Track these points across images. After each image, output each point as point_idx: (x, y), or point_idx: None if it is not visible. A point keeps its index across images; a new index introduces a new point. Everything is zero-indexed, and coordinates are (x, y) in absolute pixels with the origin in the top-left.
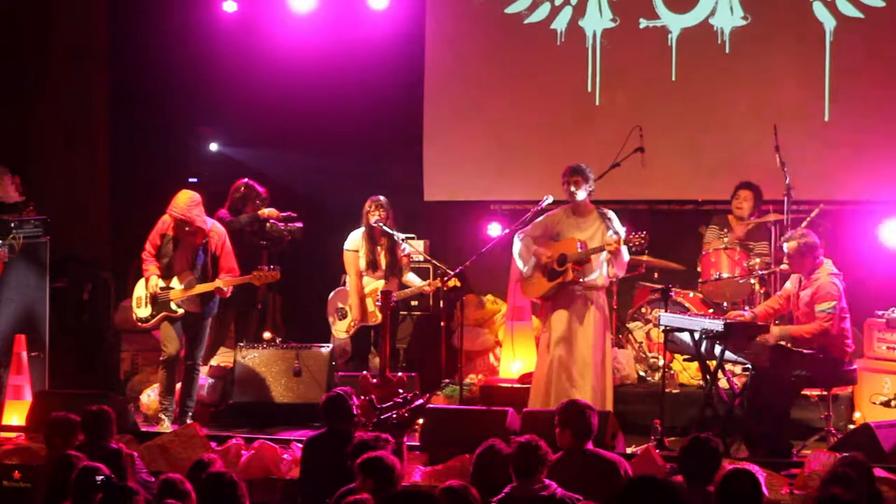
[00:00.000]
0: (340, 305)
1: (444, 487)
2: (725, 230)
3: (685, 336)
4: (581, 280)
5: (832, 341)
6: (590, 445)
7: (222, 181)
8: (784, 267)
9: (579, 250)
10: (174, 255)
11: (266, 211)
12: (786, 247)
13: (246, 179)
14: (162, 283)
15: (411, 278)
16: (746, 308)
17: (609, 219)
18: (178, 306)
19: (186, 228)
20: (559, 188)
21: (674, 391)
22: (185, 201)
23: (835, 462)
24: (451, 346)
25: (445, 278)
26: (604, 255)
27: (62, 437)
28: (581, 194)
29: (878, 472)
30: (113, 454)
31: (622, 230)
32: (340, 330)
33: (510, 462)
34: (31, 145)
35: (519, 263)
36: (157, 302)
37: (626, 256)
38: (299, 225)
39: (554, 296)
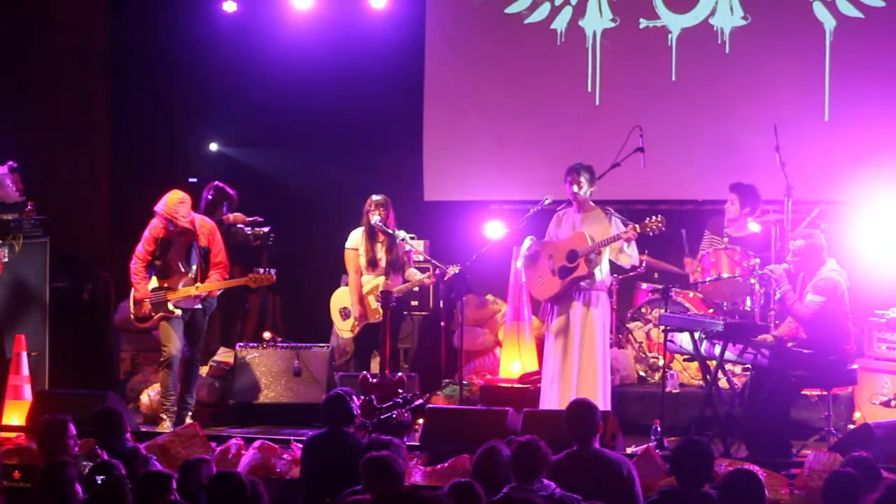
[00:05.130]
0: (343, 305)
1: (453, 484)
2: (719, 237)
3: (685, 336)
4: (594, 274)
5: (831, 338)
6: (596, 444)
7: (222, 181)
8: (785, 266)
9: (589, 243)
10: (168, 257)
11: (231, 216)
12: (793, 245)
13: (216, 183)
14: (155, 285)
15: (413, 273)
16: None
17: (612, 213)
18: (175, 306)
19: (172, 228)
20: (559, 188)
21: (674, 391)
22: (174, 202)
23: (839, 461)
24: (451, 346)
25: (445, 268)
26: (607, 253)
27: (53, 441)
28: (583, 192)
29: None
30: (129, 454)
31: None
32: (345, 329)
33: (511, 462)
34: (31, 145)
35: (519, 262)
36: (154, 303)
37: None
38: (266, 229)
39: (559, 295)
